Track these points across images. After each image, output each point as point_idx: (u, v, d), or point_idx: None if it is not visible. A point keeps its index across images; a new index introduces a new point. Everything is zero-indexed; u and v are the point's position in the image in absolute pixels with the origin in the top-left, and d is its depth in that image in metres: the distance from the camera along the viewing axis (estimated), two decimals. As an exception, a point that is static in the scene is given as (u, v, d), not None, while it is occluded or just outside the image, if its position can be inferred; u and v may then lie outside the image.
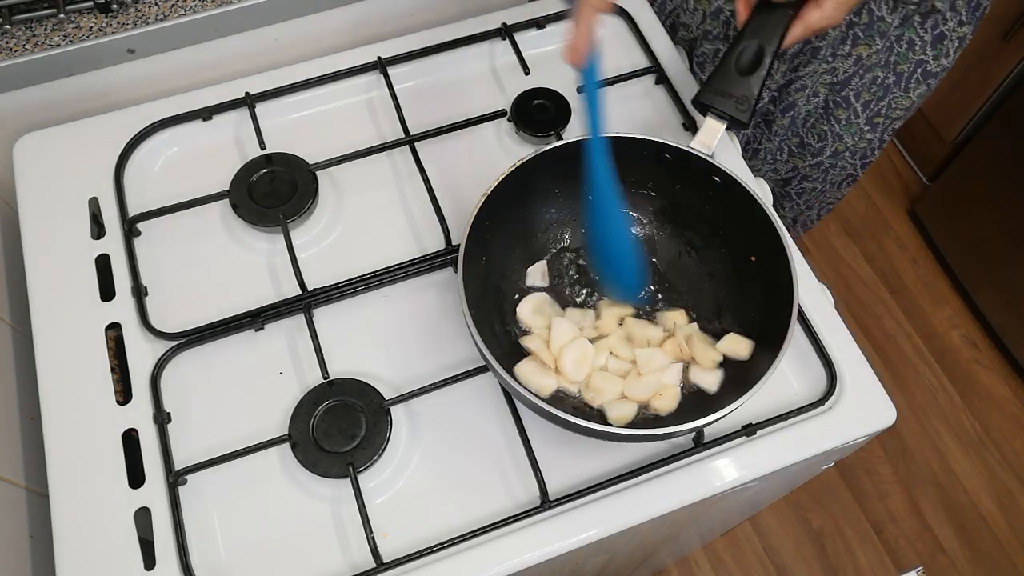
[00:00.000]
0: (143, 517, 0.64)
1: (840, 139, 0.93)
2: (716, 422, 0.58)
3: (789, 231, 1.05)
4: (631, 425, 0.64)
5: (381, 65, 0.84)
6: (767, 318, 0.65)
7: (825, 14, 0.67)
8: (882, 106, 0.89)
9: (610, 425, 0.60)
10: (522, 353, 0.67)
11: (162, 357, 0.70)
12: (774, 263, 0.65)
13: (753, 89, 0.69)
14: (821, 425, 0.68)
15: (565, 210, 0.74)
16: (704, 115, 0.71)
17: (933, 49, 0.82)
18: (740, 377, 0.64)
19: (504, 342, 0.68)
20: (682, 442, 0.68)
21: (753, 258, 0.68)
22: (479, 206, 0.65)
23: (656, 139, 0.69)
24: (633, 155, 0.70)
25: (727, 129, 0.71)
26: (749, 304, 0.68)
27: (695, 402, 0.66)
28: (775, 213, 0.66)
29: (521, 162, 0.67)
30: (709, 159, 0.68)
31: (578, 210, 0.74)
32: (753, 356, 0.66)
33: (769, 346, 0.62)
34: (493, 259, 0.70)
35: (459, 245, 0.64)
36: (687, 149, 0.69)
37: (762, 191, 0.80)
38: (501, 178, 0.66)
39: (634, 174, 0.72)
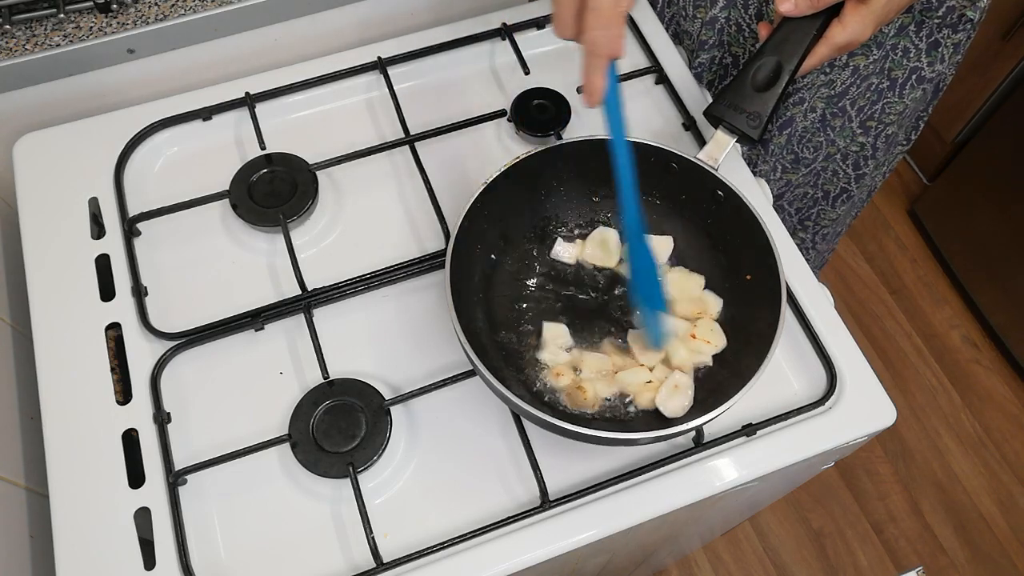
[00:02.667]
0: (143, 517, 0.64)
1: (833, 143, 0.93)
2: (713, 420, 0.58)
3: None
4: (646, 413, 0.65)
5: (381, 65, 0.84)
6: (761, 324, 0.65)
7: (849, 31, 0.65)
8: (875, 110, 0.89)
9: (603, 428, 0.60)
10: (508, 358, 0.68)
11: (162, 357, 0.70)
12: (768, 278, 0.65)
13: (767, 106, 0.68)
14: (821, 425, 0.68)
15: (560, 210, 0.74)
16: (715, 127, 0.71)
17: (928, 56, 0.82)
18: (734, 377, 0.64)
19: (494, 344, 0.67)
20: (682, 442, 0.68)
21: (749, 277, 0.68)
22: (469, 205, 0.65)
23: (665, 147, 0.69)
24: (639, 160, 0.69)
25: (736, 143, 0.70)
26: (743, 317, 0.68)
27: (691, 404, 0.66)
28: (773, 230, 0.66)
29: (515, 161, 0.67)
30: (714, 172, 0.68)
31: (575, 211, 0.74)
32: (745, 354, 0.65)
33: (762, 343, 0.62)
34: (486, 259, 0.70)
35: (448, 245, 0.64)
36: (693, 160, 0.68)
37: (762, 190, 0.80)
38: (492, 178, 0.66)
39: (640, 180, 0.72)
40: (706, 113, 0.71)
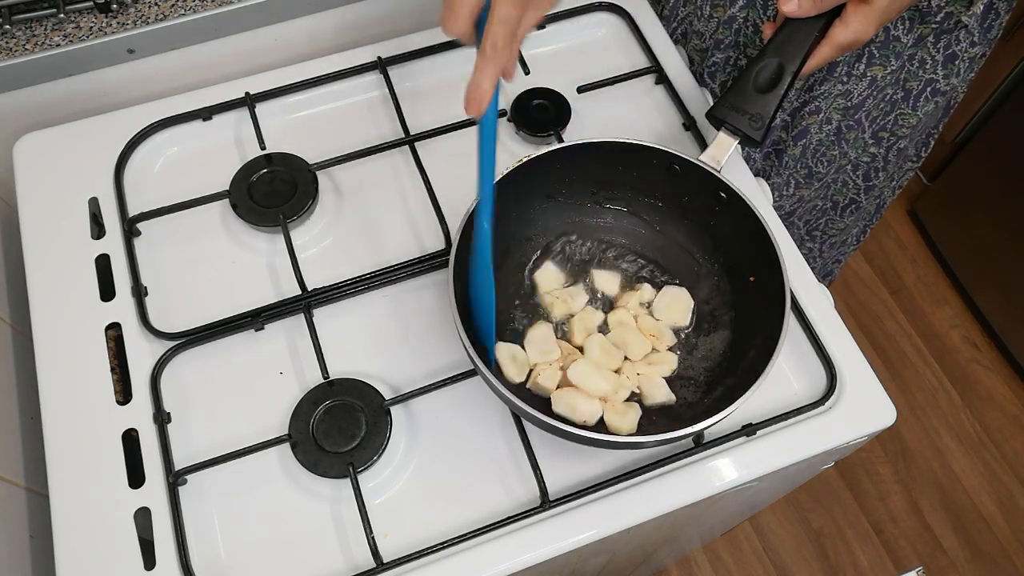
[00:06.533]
0: (143, 517, 0.64)
1: (846, 155, 0.93)
2: (714, 425, 0.59)
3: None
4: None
5: (381, 65, 0.84)
6: (764, 326, 0.65)
7: (851, 31, 0.65)
8: (888, 121, 0.88)
9: (604, 432, 0.60)
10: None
11: (162, 357, 0.70)
12: (771, 279, 0.64)
13: (769, 107, 0.68)
14: (821, 425, 0.68)
15: (563, 214, 0.74)
16: (718, 129, 0.71)
17: (944, 68, 0.82)
18: (737, 379, 0.64)
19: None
20: (682, 442, 0.68)
21: (752, 278, 0.68)
22: (473, 206, 0.65)
23: (666, 148, 0.69)
24: (642, 163, 0.70)
25: (739, 145, 0.70)
26: (746, 318, 0.68)
27: (693, 405, 0.66)
28: (775, 230, 0.66)
29: (518, 163, 0.67)
30: (717, 174, 0.68)
31: (577, 214, 0.74)
32: (748, 357, 0.65)
33: (765, 348, 0.62)
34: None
35: (453, 244, 0.64)
36: (696, 162, 0.68)
37: (763, 191, 0.80)
38: (497, 179, 0.66)
39: (642, 182, 0.72)
40: (708, 115, 0.71)
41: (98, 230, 0.77)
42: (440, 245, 0.75)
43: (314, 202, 0.77)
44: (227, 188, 0.77)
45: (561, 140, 0.80)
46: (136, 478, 0.66)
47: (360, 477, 0.64)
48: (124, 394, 0.69)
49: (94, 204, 0.78)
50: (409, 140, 0.80)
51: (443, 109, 0.84)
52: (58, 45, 0.81)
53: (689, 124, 0.83)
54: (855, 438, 0.68)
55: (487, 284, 0.62)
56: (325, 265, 0.75)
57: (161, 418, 0.67)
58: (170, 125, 0.81)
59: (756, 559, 1.58)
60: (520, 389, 0.65)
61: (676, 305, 0.70)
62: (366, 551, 0.62)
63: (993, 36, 0.81)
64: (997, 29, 0.80)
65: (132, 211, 0.76)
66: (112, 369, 0.70)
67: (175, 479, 0.64)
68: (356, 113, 0.85)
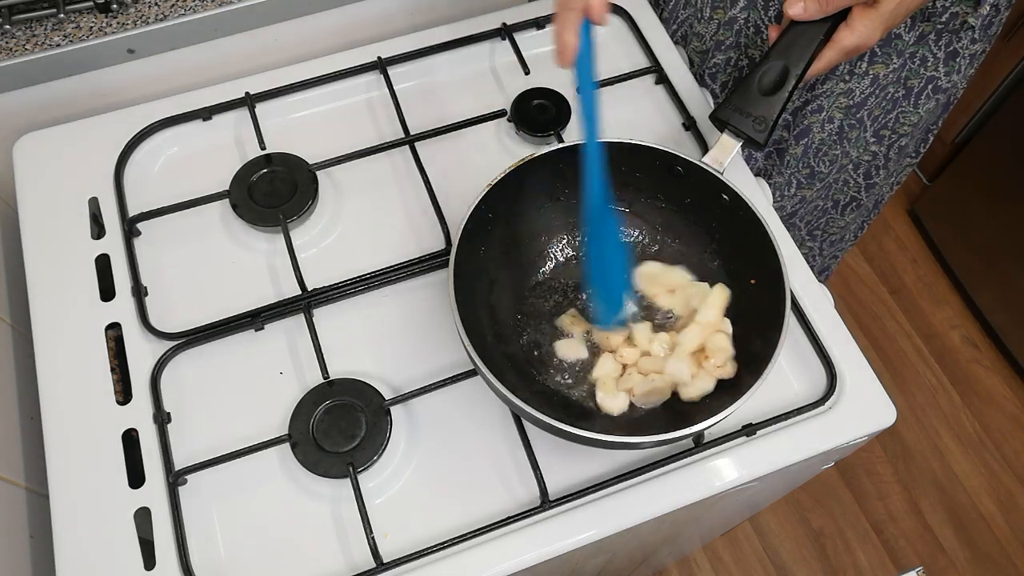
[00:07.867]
0: (143, 517, 0.64)
1: (847, 155, 0.93)
2: (714, 425, 0.58)
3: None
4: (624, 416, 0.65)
5: (381, 65, 0.84)
6: (764, 327, 0.65)
7: (857, 35, 0.65)
8: (889, 119, 0.88)
9: (605, 431, 0.60)
10: (510, 360, 0.67)
11: (162, 357, 0.70)
12: (771, 281, 0.64)
13: (773, 110, 0.68)
14: (821, 425, 0.68)
15: (565, 214, 0.74)
16: (721, 131, 0.71)
17: (945, 65, 0.82)
18: (737, 379, 0.64)
19: (496, 346, 0.67)
20: (682, 442, 0.68)
21: (753, 281, 0.68)
22: (474, 206, 0.65)
23: (669, 150, 0.69)
24: (645, 164, 0.70)
25: (742, 148, 0.70)
26: (747, 319, 0.68)
27: (693, 404, 0.66)
28: (777, 233, 0.65)
29: (520, 163, 0.67)
30: (719, 176, 0.68)
31: (580, 214, 0.74)
32: (748, 357, 0.65)
33: (765, 348, 0.62)
34: (489, 261, 0.70)
35: (453, 243, 0.64)
36: (699, 164, 0.68)
37: (763, 191, 0.80)
38: (497, 179, 0.66)
39: (644, 183, 0.72)
40: (712, 117, 0.71)
41: (98, 230, 0.77)
42: (440, 245, 0.75)
43: (314, 202, 0.77)
44: (227, 188, 0.77)
45: (561, 140, 0.80)
46: (136, 478, 0.66)
47: (360, 477, 0.64)
48: (124, 394, 0.69)
49: (94, 204, 0.78)
50: (409, 140, 0.80)
51: (443, 109, 0.84)
52: (58, 45, 0.81)
53: (689, 124, 0.83)
54: (855, 438, 0.68)
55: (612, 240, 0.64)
56: (325, 265, 0.75)
57: (161, 418, 0.67)
58: (170, 125, 0.81)
59: (756, 559, 1.58)
60: (520, 389, 0.65)
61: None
62: (366, 551, 0.62)
63: (993, 33, 0.81)
64: (997, 26, 0.80)
65: (132, 211, 0.76)
66: (112, 369, 0.70)
67: (175, 479, 0.64)
68: (356, 113, 0.85)
